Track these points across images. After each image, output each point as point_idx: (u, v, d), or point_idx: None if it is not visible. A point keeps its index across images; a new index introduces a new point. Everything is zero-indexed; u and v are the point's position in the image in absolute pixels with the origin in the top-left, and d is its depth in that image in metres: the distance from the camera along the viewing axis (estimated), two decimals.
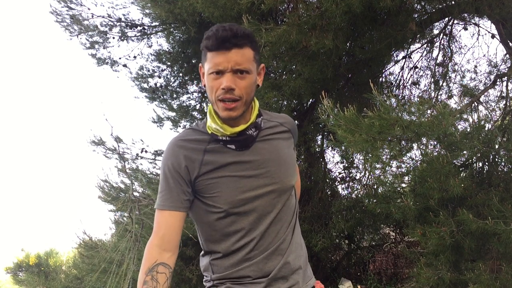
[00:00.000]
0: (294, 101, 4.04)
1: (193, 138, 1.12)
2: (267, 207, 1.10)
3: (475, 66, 4.68)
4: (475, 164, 2.85)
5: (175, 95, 5.44)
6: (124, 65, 5.21)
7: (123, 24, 4.87)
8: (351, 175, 4.86)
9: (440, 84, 4.61)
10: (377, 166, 3.61)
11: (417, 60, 4.80)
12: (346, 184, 4.87)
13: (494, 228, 2.23)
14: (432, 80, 4.73)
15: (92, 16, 4.70)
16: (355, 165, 4.83)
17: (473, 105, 3.35)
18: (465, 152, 2.61)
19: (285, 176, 1.12)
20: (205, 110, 5.55)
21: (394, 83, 4.85)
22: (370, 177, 4.50)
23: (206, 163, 1.08)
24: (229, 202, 1.07)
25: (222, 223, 1.09)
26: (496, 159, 2.74)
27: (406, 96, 4.82)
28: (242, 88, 1.03)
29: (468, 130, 2.73)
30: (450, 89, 4.64)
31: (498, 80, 3.77)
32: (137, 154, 3.93)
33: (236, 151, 1.10)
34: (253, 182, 1.09)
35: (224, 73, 1.02)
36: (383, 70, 4.67)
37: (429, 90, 4.72)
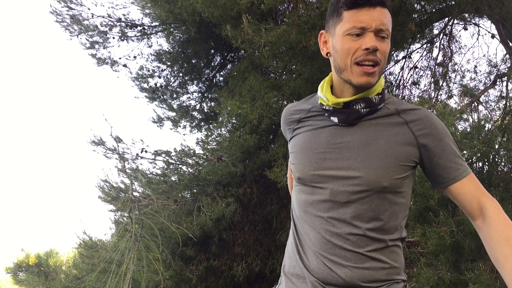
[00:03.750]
0: (294, 101, 4.03)
1: (296, 109, 1.14)
2: (342, 194, 0.96)
3: (475, 66, 4.68)
4: (475, 164, 2.84)
5: (175, 95, 5.44)
6: (124, 65, 5.22)
7: (123, 24, 4.87)
8: None
9: (440, 84, 4.60)
10: None
11: (417, 60, 4.81)
12: None
13: None
14: (432, 80, 4.73)
15: (92, 16, 4.70)
16: None
17: (473, 105, 3.35)
18: (465, 152, 2.61)
19: (371, 169, 0.94)
20: (205, 110, 5.57)
21: (394, 83, 4.85)
22: None
23: (296, 130, 1.10)
24: (303, 172, 1.03)
25: (300, 197, 1.06)
26: (496, 159, 2.74)
27: (406, 96, 4.81)
28: (383, 52, 0.93)
29: (468, 130, 2.73)
30: (450, 89, 4.64)
31: (498, 80, 3.78)
32: (137, 154, 3.92)
33: (339, 125, 1.00)
34: (331, 163, 0.98)
35: (365, 32, 0.92)
36: (383, 70, 4.67)
37: (429, 90, 4.72)
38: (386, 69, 4.76)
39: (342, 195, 0.96)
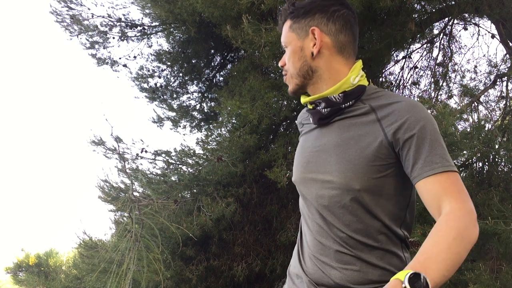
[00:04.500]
0: (294, 101, 4.03)
1: (303, 111, 1.19)
2: (322, 198, 0.97)
3: (475, 66, 4.67)
4: (475, 164, 2.85)
5: (175, 95, 5.43)
6: (124, 65, 5.21)
7: (123, 24, 4.86)
8: None
9: (440, 84, 4.60)
10: None
11: (417, 60, 4.80)
12: None
13: (494, 228, 2.22)
14: (432, 80, 4.73)
15: (92, 16, 4.70)
16: None
17: (473, 105, 3.35)
18: (465, 152, 2.61)
19: (341, 173, 0.93)
20: (205, 110, 5.57)
21: (394, 83, 4.84)
22: None
23: (301, 134, 1.16)
24: (295, 176, 1.08)
25: (299, 202, 1.10)
26: (496, 159, 2.74)
27: (406, 96, 4.81)
28: (287, 61, 1.05)
29: (468, 130, 2.74)
30: (450, 89, 4.63)
31: (498, 80, 3.78)
32: (137, 154, 3.92)
33: (319, 128, 1.04)
34: (312, 166, 1.01)
35: None
36: (383, 70, 4.67)
37: (429, 90, 4.72)
38: (386, 69, 4.76)
39: (323, 199, 0.96)
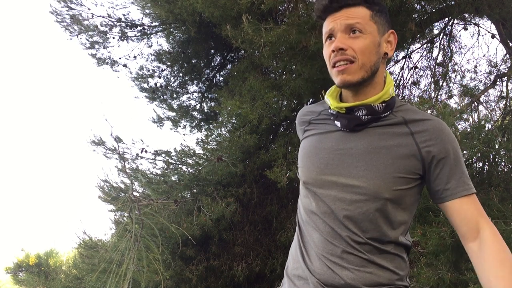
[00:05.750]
0: (294, 101, 4.03)
1: (309, 110, 1.15)
2: (342, 201, 0.96)
3: (475, 66, 4.68)
4: (475, 164, 2.84)
5: (175, 95, 5.44)
6: (124, 65, 5.21)
7: (123, 24, 4.86)
8: None
9: (440, 84, 4.60)
10: None
11: (417, 60, 4.81)
12: None
13: None
14: (432, 80, 4.73)
15: (92, 16, 4.70)
16: None
17: (473, 105, 3.35)
18: (465, 152, 2.60)
19: (369, 179, 0.94)
20: (205, 110, 5.57)
21: (394, 83, 4.84)
22: None
23: (306, 132, 1.11)
24: (307, 176, 1.03)
25: (304, 201, 1.05)
26: (496, 159, 2.74)
27: (406, 96, 4.81)
28: (355, 48, 0.93)
29: (468, 130, 2.73)
30: (450, 89, 4.63)
31: (498, 80, 3.78)
32: (137, 154, 3.92)
33: (344, 131, 1.01)
34: (332, 168, 0.98)
35: (335, 35, 0.96)
36: None
37: (429, 90, 4.71)
38: (386, 69, 4.74)
39: (343, 202, 0.96)
